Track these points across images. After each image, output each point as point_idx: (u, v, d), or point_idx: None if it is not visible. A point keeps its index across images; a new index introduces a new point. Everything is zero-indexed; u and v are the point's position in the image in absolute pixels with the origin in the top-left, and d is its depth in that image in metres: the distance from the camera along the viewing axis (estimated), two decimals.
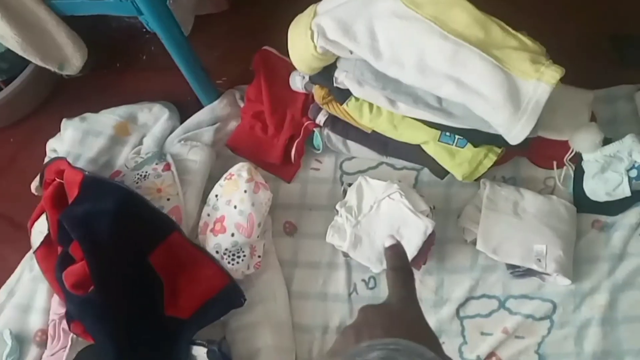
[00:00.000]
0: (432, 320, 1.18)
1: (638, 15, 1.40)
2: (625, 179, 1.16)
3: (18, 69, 1.47)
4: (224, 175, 1.24)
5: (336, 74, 1.18)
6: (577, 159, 1.24)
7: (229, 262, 1.17)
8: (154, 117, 1.44)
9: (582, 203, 1.22)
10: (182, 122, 1.45)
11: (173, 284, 1.15)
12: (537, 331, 1.14)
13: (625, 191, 1.16)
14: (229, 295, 1.14)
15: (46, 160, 1.44)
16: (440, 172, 1.25)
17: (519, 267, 1.16)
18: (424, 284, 1.21)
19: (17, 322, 1.27)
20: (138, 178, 1.25)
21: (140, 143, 1.43)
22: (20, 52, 1.19)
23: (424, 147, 1.23)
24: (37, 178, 1.37)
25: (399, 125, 1.22)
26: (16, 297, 1.31)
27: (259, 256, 1.21)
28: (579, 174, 1.23)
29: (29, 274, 1.32)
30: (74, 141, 1.41)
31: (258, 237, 1.19)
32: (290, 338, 1.18)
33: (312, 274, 1.26)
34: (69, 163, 1.21)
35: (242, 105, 1.45)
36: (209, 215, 1.21)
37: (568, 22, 1.41)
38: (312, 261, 1.27)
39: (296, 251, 1.28)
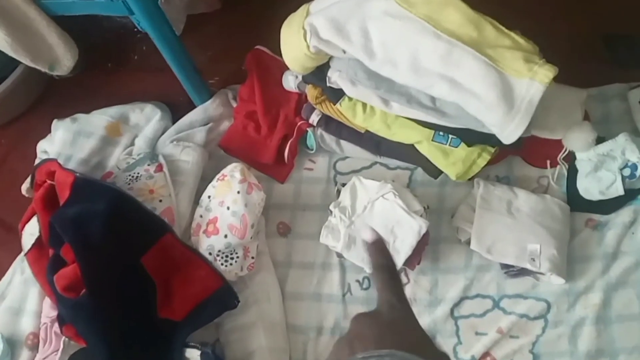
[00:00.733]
0: (426, 320, 1.17)
1: (630, 14, 1.40)
2: (619, 178, 1.16)
3: (8, 69, 1.46)
4: (217, 176, 1.23)
5: (329, 73, 1.17)
6: (571, 157, 1.24)
7: (222, 264, 1.16)
8: (145, 117, 1.43)
9: (575, 202, 1.22)
10: (174, 122, 1.44)
11: (166, 286, 1.14)
12: (532, 330, 1.14)
13: (618, 190, 1.16)
14: (222, 297, 1.14)
15: (37, 161, 1.43)
16: (434, 171, 1.25)
17: (513, 266, 1.16)
18: (418, 284, 1.20)
19: (8, 325, 1.26)
20: (130, 179, 1.24)
21: (132, 144, 1.42)
22: (10, 53, 1.17)
23: (417, 146, 1.23)
24: (28, 180, 1.36)
25: (393, 124, 1.22)
26: (7, 300, 1.29)
27: (253, 257, 1.20)
28: (573, 173, 1.23)
29: (20, 277, 1.31)
30: (65, 142, 1.40)
31: (251, 238, 1.18)
32: (284, 339, 1.18)
33: (306, 274, 1.25)
34: (59, 164, 1.20)
35: (234, 105, 1.45)
36: (201, 216, 1.21)
37: (561, 21, 1.41)
38: (306, 262, 1.26)
39: (290, 252, 1.28)
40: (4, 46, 1.16)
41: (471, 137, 1.15)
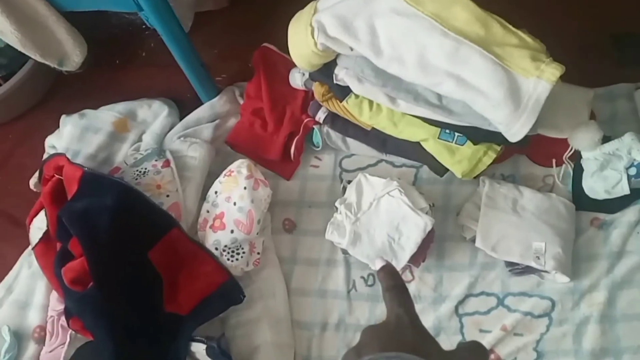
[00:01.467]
0: (430, 317, 1.18)
1: (638, 13, 1.40)
2: (624, 177, 1.16)
3: (17, 64, 1.47)
4: (224, 172, 1.23)
5: (336, 70, 1.18)
6: (576, 156, 1.24)
7: (228, 259, 1.17)
8: (153, 113, 1.44)
9: (581, 201, 1.22)
10: (181, 118, 1.45)
11: (172, 280, 1.15)
12: (536, 328, 1.15)
13: (624, 189, 1.16)
14: (228, 291, 1.14)
15: (45, 156, 1.44)
16: (440, 169, 1.25)
17: (517, 264, 1.16)
18: (423, 281, 1.21)
19: (15, 318, 1.27)
20: (137, 174, 1.25)
21: (140, 140, 1.43)
22: (19, 48, 1.18)
23: (423, 144, 1.23)
24: (36, 174, 1.37)
25: (399, 122, 1.22)
26: (14, 293, 1.30)
27: (258, 253, 1.21)
28: (578, 171, 1.23)
29: (27, 271, 1.32)
30: (73, 137, 1.41)
31: (257, 234, 1.19)
32: (289, 335, 1.18)
33: (311, 270, 1.26)
34: (68, 159, 1.21)
35: (241, 102, 1.45)
36: (208, 211, 1.21)
37: (568, 20, 1.41)
38: (311, 258, 1.27)
39: (295, 248, 1.28)
40: (13, 41, 1.17)
41: (477, 135, 1.15)
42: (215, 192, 1.22)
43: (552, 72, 0.95)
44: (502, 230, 1.17)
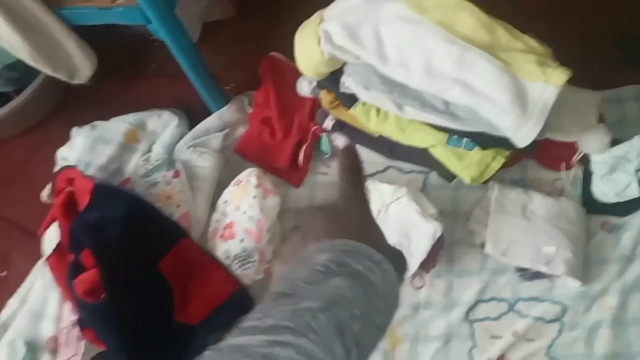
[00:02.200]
0: (442, 323, 1.18)
1: None
2: (634, 180, 1.16)
3: (28, 78, 1.49)
4: (233, 181, 1.24)
5: (343, 78, 1.19)
6: (586, 160, 1.24)
7: (238, 268, 1.18)
8: (163, 124, 1.45)
9: (591, 204, 1.21)
10: (191, 128, 1.46)
11: (183, 290, 1.15)
12: (548, 333, 1.14)
13: (634, 192, 1.16)
14: (239, 300, 1.15)
15: (56, 168, 1.45)
16: (448, 175, 1.25)
17: (528, 269, 1.16)
18: (434, 287, 1.21)
19: (29, 330, 1.28)
20: (148, 185, 1.26)
21: (150, 150, 1.44)
22: (30, 62, 1.20)
23: (431, 150, 1.24)
24: (48, 186, 1.39)
25: (406, 129, 1.22)
26: (28, 304, 1.32)
27: (269, 261, 1.21)
28: (588, 175, 1.23)
29: (41, 282, 1.33)
30: (84, 149, 1.42)
31: (267, 242, 1.19)
32: None
33: None
34: (79, 171, 1.23)
35: (250, 111, 1.46)
36: (218, 221, 1.22)
37: (574, 23, 1.41)
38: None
39: None
40: (24, 56, 1.19)
41: (485, 140, 1.15)
42: (225, 202, 1.23)
43: (558, 76, 0.96)
44: (511, 235, 1.17)
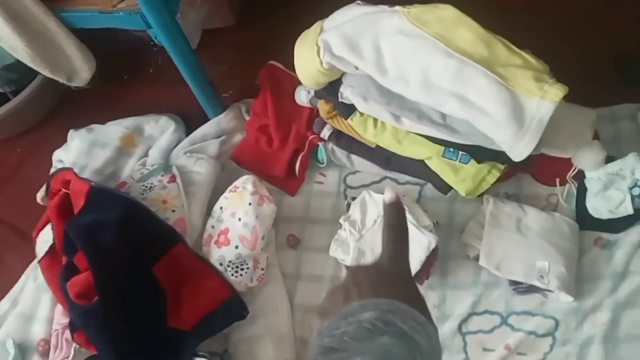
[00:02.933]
0: None
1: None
2: (628, 197, 1.17)
3: (27, 79, 1.49)
4: (229, 188, 1.24)
5: (341, 89, 1.19)
6: (580, 176, 1.25)
7: (232, 275, 1.17)
8: (160, 129, 1.45)
9: (584, 220, 1.22)
10: (187, 134, 1.46)
11: (176, 295, 1.15)
12: (540, 348, 1.14)
13: (627, 209, 1.17)
14: (231, 307, 1.15)
15: (52, 170, 1.46)
16: (444, 187, 1.26)
17: (521, 283, 1.16)
18: (427, 299, 1.18)
19: (20, 331, 1.28)
20: (144, 189, 1.26)
21: (146, 155, 1.44)
22: (29, 64, 1.20)
23: (427, 162, 1.24)
24: (43, 188, 1.38)
25: (403, 140, 1.23)
26: (20, 306, 1.31)
27: (262, 269, 1.21)
28: (582, 191, 1.24)
29: (33, 284, 1.33)
30: (80, 152, 1.42)
31: (262, 249, 1.20)
32: (292, 351, 1.18)
33: (315, 287, 1.26)
34: (75, 173, 1.22)
35: (247, 118, 1.47)
36: (213, 227, 1.22)
37: (571, 42, 1.42)
38: (315, 274, 1.27)
39: (299, 264, 1.29)
40: (24, 57, 1.19)
41: (481, 154, 1.16)
42: (221, 208, 1.23)
43: (555, 92, 0.96)
44: (505, 249, 1.17)
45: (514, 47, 1.03)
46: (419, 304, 0.49)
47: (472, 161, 1.18)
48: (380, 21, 1.07)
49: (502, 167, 1.18)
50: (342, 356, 0.42)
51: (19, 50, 1.18)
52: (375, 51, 1.06)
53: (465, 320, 1.19)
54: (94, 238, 1.08)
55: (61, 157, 1.47)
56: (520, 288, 1.17)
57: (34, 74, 1.45)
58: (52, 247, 1.27)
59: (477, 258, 1.19)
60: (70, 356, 1.19)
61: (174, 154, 1.41)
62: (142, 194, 1.24)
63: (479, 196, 1.23)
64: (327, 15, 1.15)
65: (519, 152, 1.01)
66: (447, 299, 1.21)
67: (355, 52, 1.07)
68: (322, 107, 1.30)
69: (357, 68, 1.10)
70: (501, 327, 1.17)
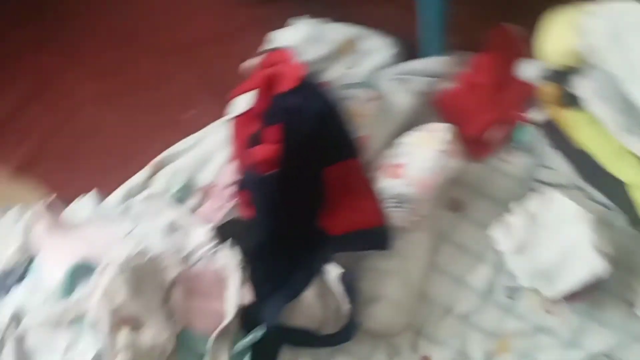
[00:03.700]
0: (555, 356, 1.12)
1: None
2: None
3: None
4: (424, 127, 1.24)
5: (578, 79, 1.12)
6: None
7: (390, 207, 1.19)
8: (378, 47, 1.47)
9: None
10: (399, 62, 1.47)
11: (334, 201, 1.19)
12: None
13: None
14: (378, 235, 1.17)
15: (268, 46, 1.53)
16: (637, 223, 1.15)
17: None
18: (565, 320, 1.13)
19: (191, 170, 1.40)
20: (345, 96, 1.29)
21: (354, 66, 1.47)
22: None
23: (630, 189, 1.14)
24: (254, 59, 1.46)
25: (615, 154, 1.14)
26: (199, 149, 1.44)
27: (419, 216, 1.21)
28: None
29: (217, 136, 1.44)
30: (300, 40, 1.48)
31: (427, 198, 1.19)
32: (412, 301, 1.19)
33: (459, 255, 1.24)
34: (294, 56, 1.28)
35: (463, 70, 1.43)
36: (392, 157, 1.23)
37: None
38: (464, 244, 1.25)
39: (453, 228, 1.27)
40: None
41: None
42: (407, 143, 1.23)
43: None
44: None
45: None
46: None
47: None
48: None
49: None
50: None
51: None
52: None
53: (594, 356, 1.11)
54: (294, 120, 1.14)
55: (280, 37, 1.54)
56: None
57: None
58: (246, 111, 1.36)
59: (633, 305, 1.09)
60: (226, 208, 1.29)
61: (382, 75, 1.42)
62: (342, 99, 1.27)
63: None
64: None
65: None
66: (586, 330, 1.13)
67: (618, 47, 0.99)
68: (547, 89, 1.24)
69: (608, 63, 1.02)
70: None
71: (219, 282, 1.20)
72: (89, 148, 1.60)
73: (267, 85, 1.32)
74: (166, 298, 1.16)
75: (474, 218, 1.28)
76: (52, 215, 1.32)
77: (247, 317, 1.17)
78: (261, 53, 1.46)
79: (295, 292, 1.14)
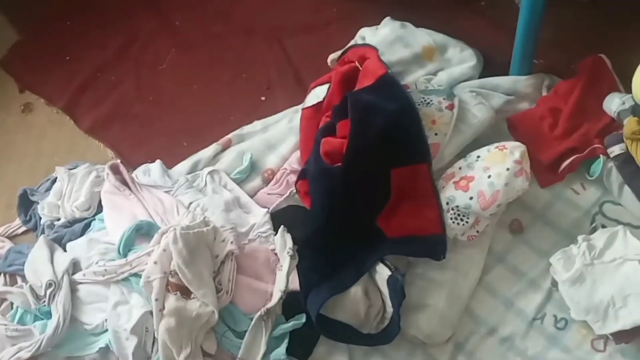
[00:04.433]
0: None
1: None
2: None
3: None
4: (496, 144, 1.22)
5: None
6: None
7: (450, 218, 1.18)
8: (461, 58, 1.46)
9: None
10: (480, 76, 1.45)
11: (396, 203, 1.20)
12: None
13: None
14: (434, 243, 1.17)
15: (353, 42, 1.54)
16: None
17: None
18: (609, 358, 1.11)
19: (258, 152, 1.44)
20: (422, 101, 1.29)
21: (435, 74, 1.46)
22: None
23: None
24: (339, 52, 1.48)
25: None
26: (268, 134, 1.47)
27: (477, 231, 1.20)
28: None
29: (287, 123, 1.47)
30: (385, 40, 1.49)
31: (490, 215, 1.18)
32: (458, 315, 1.18)
33: (512, 278, 1.22)
34: (377, 54, 1.29)
35: (544, 93, 1.41)
36: (460, 168, 1.22)
37: None
38: (519, 268, 1.23)
39: (510, 250, 1.25)
40: None
41: None
42: (478, 157, 1.22)
43: None
44: None
45: None
46: None
47: None
48: None
49: None
50: None
51: None
52: None
53: None
54: (367, 116, 1.15)
55: (365, 35, 1.56)
56: None
57: None
58: (319, 102, 1.38)
59: None
60: (285, 195, 1.32)
61: (460, 86, 1.41)
62: (419, 104, 1.27)
63: None
64: None
65: None
66: None
67: None
68: (630, 124, 1.20)
69: None
70: None
71: (269, 264, 1.23)
72: (162, 117, 1.64)
73: (345, 80, 1.34)
74: (217, 271, 1.20)
75: (532, 243, 1.25)
76: (118, 176, 1.38)
77: (289, 303, 1.19)
78: (346, 48, 1.48)
79: (342, 286, 1.15)
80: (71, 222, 1.40)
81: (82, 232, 1.37)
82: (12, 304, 1.29)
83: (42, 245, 1.30)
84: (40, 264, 1.26)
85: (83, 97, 1.71)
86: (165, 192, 1.39)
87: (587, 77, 1.36)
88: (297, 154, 1.38)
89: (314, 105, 1.39)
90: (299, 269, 1.20)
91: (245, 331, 1.14)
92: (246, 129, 1.51)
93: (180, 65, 1.73)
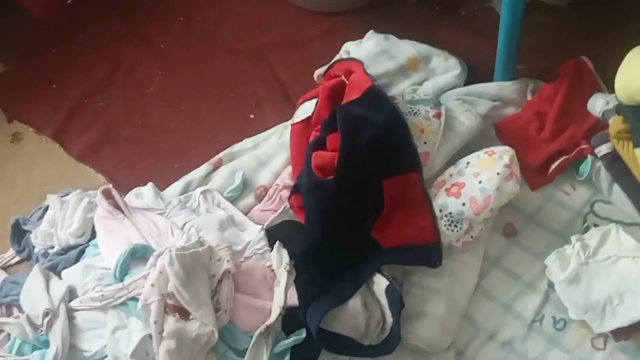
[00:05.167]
0: None
1: None
2: None
3: None
4: (485, 150, 1.23)
5: None
6: None
7: (444, 225, 1.19)
8: (445, 67, 1.48)
9: None
10: (466, 84, 1.47)
11: (390, 213, 1.20)
12: None
13: None
14: (429, 251, 1.17)
15: (338, 57, 1.56)
16: None
17: None
18: (612, 358, 1.11)
19: (249, 170, 1.44)
20: (409, 111, 1.30)
21: (420, 84, 1.48)
22: None
23: None
24: (324, 67, 1.50)
25: None
26: (259, 150, 1.48)
27: (472, 237, 1.21)
28: None
29: (277, 139, 1.48)
30: (370, 53, 1.51)
31: (483, 220, 1.19)
32: (457, 322, 1.19)
33: (508, 282, 1.23)
34: (363, 68, 1.31)
35: (529, 97, 1.43)
36: (451, 175, 1.23)
37: None
38: (514, 271, 1.24)
39: (505, 254, 1.26)
40: None
41: None
42: (468, 163, 1.23)
43: None
44: None
45: None
46: None
47: None
48: None
49: None
50: None
51: None
52: None
53: None
54: (356, 128, 1.16)
55: (350, 49, 1.57)
56: None
57: None
58: (309, 118, 1.39)
59: None
60: (278, 211, 1.32)
61: (446, 95, 1.43)
62: (407, 114, 1.29)
63: None
64: None
65: None
66: None
67: None
68: (615, 124, 1.22)
69: None
70: None
71: (267, 281, 1.23)
72: (151, 140, 1.65)
73: (332, 94, 1.35)
74: (214, 291, 1.20)
75: (527, 246, 1.26)
76: (110, 201, 1.38)
77: (289, 319, 1.19)
78: (331, 63, 1.50)
79: (340, 299, 1.15)
80: (65, 250, 1.39)
81: (77, 259, 1.36)
82: (9, 335, 1.28)
83: (37, 274, 1.30)
84: (36, 292, 1.25)
85: (72, 124, 1.71)
86: (159, 214, 1.39)
87: (570, 79, 1.38)
88: (289, 169, 1.39)
89: (303, 120, 1.40)
90: (297, 284, 1.20)
91: (246, 349, 1.13)
92: (237, 147, 1.51)
93: (167, 87, 1.74)
